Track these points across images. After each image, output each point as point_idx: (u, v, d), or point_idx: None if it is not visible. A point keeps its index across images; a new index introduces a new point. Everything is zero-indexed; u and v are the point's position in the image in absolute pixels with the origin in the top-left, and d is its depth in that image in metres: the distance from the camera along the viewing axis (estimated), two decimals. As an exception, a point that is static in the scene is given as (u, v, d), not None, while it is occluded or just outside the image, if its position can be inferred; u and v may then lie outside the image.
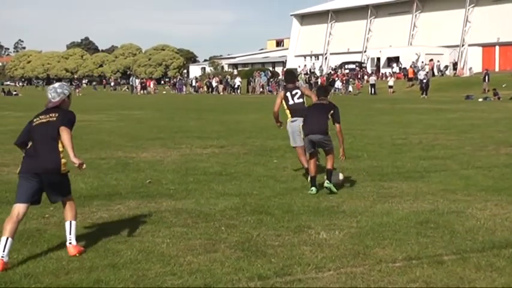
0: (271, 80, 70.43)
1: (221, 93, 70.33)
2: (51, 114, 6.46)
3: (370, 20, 78.77)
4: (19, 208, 6.21)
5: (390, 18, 76.27)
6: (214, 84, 73.70)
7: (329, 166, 9.68)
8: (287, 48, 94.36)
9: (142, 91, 73.08)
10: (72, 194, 6.68)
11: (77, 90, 66.73)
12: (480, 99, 43.25)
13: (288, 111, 11.03)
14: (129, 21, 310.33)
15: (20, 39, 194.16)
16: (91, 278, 5.50)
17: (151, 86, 76.71)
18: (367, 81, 61.15)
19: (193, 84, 79.85)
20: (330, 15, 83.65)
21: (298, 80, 62.25)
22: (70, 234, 6.40)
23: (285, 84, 11.95)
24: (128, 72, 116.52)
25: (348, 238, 6.82)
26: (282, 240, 6.78)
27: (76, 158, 6.25)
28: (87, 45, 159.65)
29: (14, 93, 66.64)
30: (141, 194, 9.39)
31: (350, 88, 61.87)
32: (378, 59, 72.64)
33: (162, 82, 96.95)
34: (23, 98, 57.93)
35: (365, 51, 77.20)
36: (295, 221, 7.65)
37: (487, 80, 49.68)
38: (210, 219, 7.74)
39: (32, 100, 50.29)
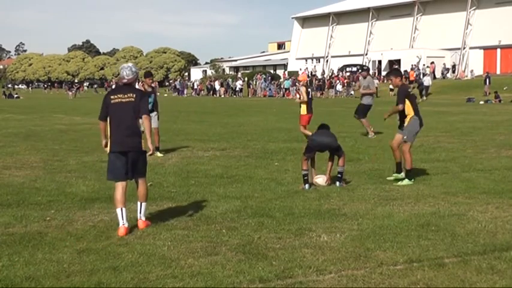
0: (272, 83, 70.42)
1: (222, 95, 70.41)
2: (129, 94, 7.28)
3: (372, 23, 78.74)
4: (121, 188, 7.31)
5: (391, 21, 76.24)
6: (217, 87, 73.79)
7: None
8: (288, 51, 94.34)
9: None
10: (145, 176, 7.61)
11: (70, 94, 65.86)
12: (481, 102, 43.26)
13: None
14: (131, 24, 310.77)
15: (21, 42, 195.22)
16: (92, 280, 5.50)
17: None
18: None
19: (195, 86, 79.93)
20: (331, 18, 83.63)
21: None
22: (140, 213, 7.47)
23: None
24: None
25: (349, 241, 6.82)
26: (283, 242, 6.77)
27: (151, 145, 7.40)
28: (89, 48, 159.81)
29: (15, 96, 66.64)
30: (142, 197, 9.38)
31: (351, 91, 61.86)
32: (379, 61, 72.63)
33: (167, 84, 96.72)
34: (24, 101, 57.96)
35: (366, 54, 77.17)
36: (296, 223, 7.65)
37: (488, 83, 49.69)
38: (211, 222, 7.74)
39: (33, 103, 50.34)
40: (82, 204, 8.83)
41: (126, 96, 7.27)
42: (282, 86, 67.60)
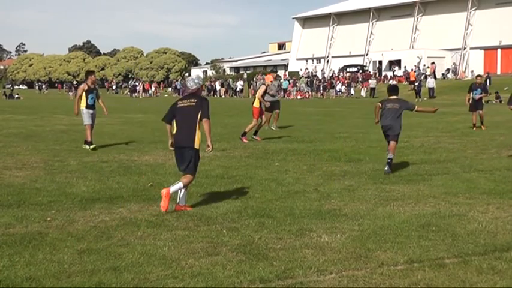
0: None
1: (223, 96, 70.43)
2: (191, 100, 8.58)
3: (372, 23, 78.79)
4: (168, 191, 8.31)
5: (392, 21, 76.30)
6: (218, 87, 73.84)
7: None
8: (289, 52, 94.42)
9: (144, 94, 73.20)
10: (195, 173, 8.67)
11: (71, 94, 65.69)
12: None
13: None
14: (131, 24, 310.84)
15: (21, 42, 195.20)
16: (93, 281, 5.50)
17: (153, 88, 76.76)
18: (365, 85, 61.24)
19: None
20: (331, 18, 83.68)
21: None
22: (180, 198, 8.45)
23: None
24: (130, 76, 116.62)
25: (349, 241, 6.82)
26: (283, 243, 6.77)
27: (211, 144, 8.61)
28: (89, 49, 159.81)
29: (16, 96, 66.63)
30: (143, 197, 9.39)
31: (352, 91, 61.90)
32: (380, 62, 72.68)
33: (171, 85, 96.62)
34: (25, 101, 57.98)
35: (367, 55, 77.21)
36: (297, 224, 7.65)
37: (488, 83, 49.66)
38: (211, 223, 7.74)
39: (33, 103, 50.36)
40: (82, 204, 8.83)
41: (188, 101, 8.59)
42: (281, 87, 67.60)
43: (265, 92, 18.99)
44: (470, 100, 21.65)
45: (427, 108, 14.25)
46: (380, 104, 12.55)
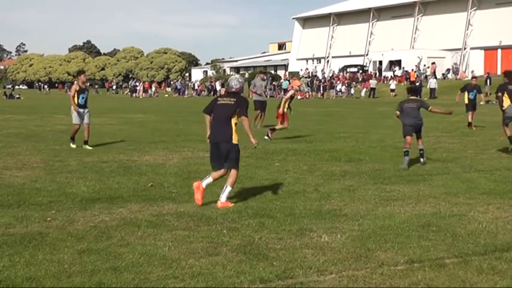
0: (272, 84, 70.36)
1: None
2: (230, 98, 8.94)
3: (372, 23, 78.79)
4: (218, 172, 8.87)
5: (392, 21, 76.29)
6: (218, 87, 73.83)
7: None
8: (289, 52, 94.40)
9: (144, 94, 73.25)
10: (238, 167, 8.98)
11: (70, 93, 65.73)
12: (482, 103, 43.16)
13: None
14: (131, 24, 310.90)
15: (22, 43, 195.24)
16: (93, 281, 5.50)
17: (153, 89, 76.78)
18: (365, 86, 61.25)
19: (195, 87, 79.95)
20: (332, 18, 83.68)
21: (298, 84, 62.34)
22: (222, 194, 8.74)
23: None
24: (130, 76, 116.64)
25: (349, 241, 6.82)
26: (283, 243, 6.77)
27: (254, 139, 8.96)
28: (89, 49, 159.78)
29: (17, 96, 66.67)
30: (143, 197, 9.39)
31: (352, 91, 61.91)
32: (380, 62, 72.69)
33: (170, 85, 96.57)
34: (25, 101, 57.98)
35: (367, 55, 77.21)
36: (297, 224, 7.65)
37: (488, 84, 49.67)
38: (212, 223, 7.74)
39: (34, 103, 50.36)
40: (83, 204, 8.83)
41: (228, 99, 8.97)
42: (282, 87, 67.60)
43: (291, 98, 18.99)
44: (466, 100, 22.13)
45: (442, 110, 14.96)
46: (398, 112, 13.34)
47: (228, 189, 8.81)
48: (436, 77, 58.08)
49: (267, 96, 25.61)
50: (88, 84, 17.25)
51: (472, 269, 5.79)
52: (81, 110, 16.24)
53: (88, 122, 16.34)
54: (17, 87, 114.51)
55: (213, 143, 8.98)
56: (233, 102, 8.86)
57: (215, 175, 8.91)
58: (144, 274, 5.70)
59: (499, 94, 15.56)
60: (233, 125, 8.80)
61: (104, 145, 16.76)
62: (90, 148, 15.85)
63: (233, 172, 8.88)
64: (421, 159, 13.11)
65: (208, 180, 8.84)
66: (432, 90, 51.81)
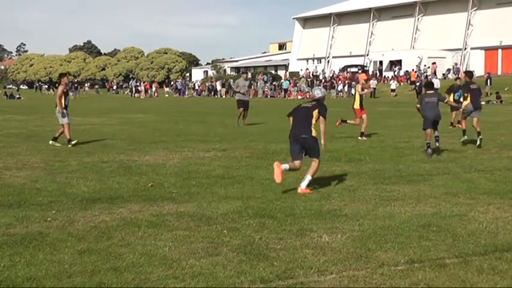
0: (274, 84, 70.38)
1: (223, 96, 70.43)
2: (312, 103, 10.42)
3: (373, 24, 78.77)
4: (295, 163, 10.09)
5: (393, 21, 76.27)
6: (218, 87, 73.87)
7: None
8: (289, 52, 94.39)
9: (144, 94, 73.24)
10: (319, 157, 10.20)
11: (71, 94, 65.36)
12: (482, 103, 43.12)
13: None
14: (132, 24, 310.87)
15: (22, 43, 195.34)
16: (93, 281, 5.50)
17: (153, 89, 76.74)
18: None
19: (196, 87, 79.95)
20: (332, 18, 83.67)
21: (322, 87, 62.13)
22: (303, 182, 9.92)
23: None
24: (130, 76, 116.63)
25: (350, 241, 6.82)
26: (284, 243, 6.77)
27: (324, 142, 10.36)
28: (90, 49, 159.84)
29: (17, 96, 66.69)
30: (144, 198, 9.39)
31: (353, 91, 61.87)
32: (381, 62, 72.68)
33: (169, 85, 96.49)
34: (25, 101, 57.99)
35: (367, 55, 77.19)
36: (298, 224, 7.65)
37: (489, 84, 49.70)
38: (212, 223, 7.75)
39: (34, 103, 50.38)
40: (83, 204, 8.83)
41: (310, 104, 10.44)
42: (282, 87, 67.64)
43: (362, 89, 19.55)
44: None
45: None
46: (418, 105, 15.00)
47: (308, 177, 9.98)
48: (436, 77, 58.00)
49: (250, 96, 26.65)
50: (69, 85, 18.38)
51: (472, 269, 5.79)
52: (65, 111, 16.89)
53: (68, 122, 16.90)
54: (14, 87, 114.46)
55: (294, 139, 10.15)
56: (311, 106, 10.36)
57: (291, 165, 10.05)
58: (144, 274, 5.70)
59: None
60: (312, 124, 10.11)
61: (104, 145, 16.76)
62: (58, 145, 16.44)
63: (314, 163, 10.14)
64: (437, 143, 14.71)
65: (286, 166, 9.93)
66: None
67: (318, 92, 10.71)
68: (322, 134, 10.18)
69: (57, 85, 17.96)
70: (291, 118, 10.43)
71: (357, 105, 19.15)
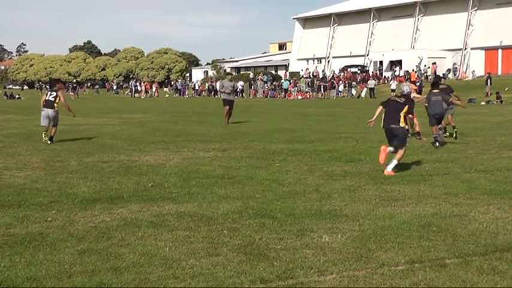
0: (274, 84, 70.36)
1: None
2: (401, 98, 12.09)
3: (373, 24, 78.79)
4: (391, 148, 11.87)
5: (393, 21, 76.30)
6: (218, 87, 73.74)
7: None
8: (290, 52, 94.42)
9: (145, 94, 73.24)
10: (405, 145, 11.92)
11: (72, 94, 65.41)
12: (483, 103, 43.29)
13: None
14: (132, 24, 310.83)
15: (22, 43, 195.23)
16: (93, 281, 5.50)
17: (154, 89, 76.74)
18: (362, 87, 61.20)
19: (196, 87, 79.93)
20: (332, 18, 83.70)
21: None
22: (389, 165, 11.54)
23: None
24: (131, 76, 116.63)
25: (350, 241, 6.82)
26: (284, 243, 6.77)
27: (419, 129, 13.37)
28: (90, 49, 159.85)
29: (17, 96, 66.66)
30: (144, 198, 9.39)
31: (353, 91, 61.90)
32: (381, 62, 72.68)
33: (168, 85, 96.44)
34: (25, 101, 57.99)
35: (367, 55, 77.20)
36: (298, 224, 7.65)
37: (489, 84, 49.68)
38: (212, 223, 7.74)
39: (34, 103, 50.37)
40: (83, 205, 8.83)
41: (399, 99, 12.10)
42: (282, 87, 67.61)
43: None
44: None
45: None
46: (426, 104, 16.65)
47: (394, 162, 11.57)
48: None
49: (236, 96, 28.25)
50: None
51: (472, 270, 5.79)
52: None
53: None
54: (18, 87, 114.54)
55: (386, 129, 11.99)
56: (402, 101, 11.95)
57: (391, 149, 11.86)
58: (144, 274, 5.70)
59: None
60: (402, 116, 11.74)
61: (105, 145, 16.76)
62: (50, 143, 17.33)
63: (401, 150, 11.73)
64: (440, 132, 16.45)
65: (391, 148, 11.81)
66: None
67: (406, 88, 12.41)
68: (417, 123, 13.44)
69: (54, 89, 18.46)
70: (381, 107, 12.15)
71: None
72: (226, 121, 25.31)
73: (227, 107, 25.52)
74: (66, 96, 19.08)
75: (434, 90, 16.73)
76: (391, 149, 11.82)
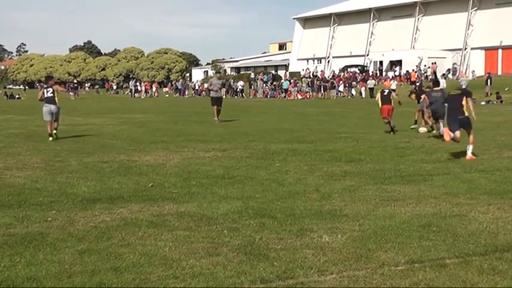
0: (274, 83, 70.33)
1: (224, 96, 70.31)
2: (458, 92, 14.35)
3: (373, 24, 78.79)
4: (456, 133, 13.72)
5: (393, 21, 76.30)
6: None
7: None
8: (290, 52, 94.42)
9: (145, 94, 73.24)
10: (472, 129, 14.00)
11: (72, 94, 65.47)
12: (483, 103, 43.27)
13: None
14: (132, 24, 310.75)
15: (22, 43, 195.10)
16: (93, 281, 5.50)
17: (154, 89, 76.73)
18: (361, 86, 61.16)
19: (196, 87, 79.91)
20: (332, 18, 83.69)
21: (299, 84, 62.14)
22: (468, 150, 13.66)
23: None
24: (131, 76, 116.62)
25: (350, 241, 6.82)
26: (284, 243, 6.77)
27: (475, 116, 14.47)
28: (90, 49, 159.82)
29: (17, 96, 66.67)
30: (144, 198, 9.39)
31: (353, 91, 61.88)
32: (381, 62, 72.68)
33: (167, 85, 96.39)
34: (25, 101, 57.98)
35: (368, 55, 77.18)
36: (298, 224, 7.65)
37: (489, 84, 49.68)
38: (212, 223, 7.74)
39: (34, 103, 50.34)
40: (83, 205, 8.83)
41: (456, 92, 14.34)
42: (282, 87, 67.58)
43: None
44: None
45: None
46: (426, 97, 18.80)
47: (471, 147, 13.58)
48: (436, 77, 57.90)
49: (223, 94, 29.37)
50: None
51: (472, 269, 5.79)
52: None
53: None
54: (20, 87, 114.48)
55: (453, 119, 13.88)
56: (460, 93, 14.16)
57: (454, 136, 13.67)
58: (144, 274, 5.70)
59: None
60: (464, 106, 13.85)
61: (105, 145, 16.77)
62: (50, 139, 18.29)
63: (471, 136, 13.70)
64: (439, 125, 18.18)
65: (456, 133, 13.67)
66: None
67: (464, 83, 15.37)
68: (472, 110, 14.10)
69: (49, 85, 19.47)
70: (447, 105, 14.41)
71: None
72: (217, 119, 25.94)
73: (215, 106, 26.36)
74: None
75: (435, 88, 18.56)
76: (457, 134, 13.67)
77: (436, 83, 19.52)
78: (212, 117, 26.39)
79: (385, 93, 21.14)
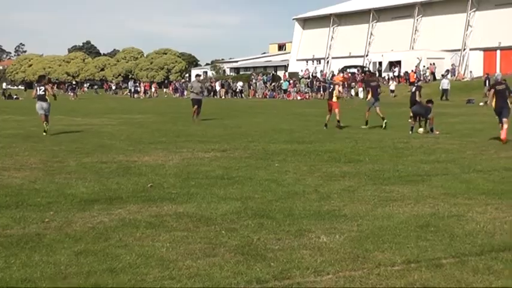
0: (273, 84, 70.33)
1: (223, 96, 70.43)
2: (502, 85, 17.20)
3: (372, 24, 78.72)
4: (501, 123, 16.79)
5: (392, 22, 76.20)
6: (217, 88, 73.81)
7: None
8: (289, 52, 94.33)
9: (144, 95, 73.23)
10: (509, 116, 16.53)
11: (71, 94, 65.43)
12: (481, 104, 43.17)
13: None
14: (131, 25, 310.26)
15: (21, 43, 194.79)
16: (89, 282, 5.50)
17: (153, 89, 76.73)
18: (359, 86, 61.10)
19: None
20: (332, 19, 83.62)
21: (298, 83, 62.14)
22: (502, 134, 16.30)
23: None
24: (130, 76, 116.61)
25: (348, 242, 6.82)
26: (282, 244, 6.77)
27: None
28: (89, 49, 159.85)
29: (15, 97, 66.63)
30: (143, 198, 9.38)
31: (352, 92, 61.85)
32: (380, 63, 72.64)
33: (167, 86, 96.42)
34: (24, 101, 57.94)
35: (367, 55, 77.14)
36: (296, 224, 7.65)
37: (488, 84, 49.60)
38: (211, 223, 7.74)
39: (32, 103, 50.30)
40: (81, 205, 8.83)
41: (502, 86, 17.24)
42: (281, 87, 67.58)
43: (339, 92, 23.24)
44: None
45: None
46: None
47: (506, 127, 16.60)
48: (435, 78, 57.91)
49: (203, 95, 30.78)
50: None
51: (468, 269, 5.80)
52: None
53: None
54: (20, 87, 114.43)
55: (499, 110, 16.99)
56: (504, 87, 17.16)
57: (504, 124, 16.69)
58: (140, 275, 5.70)
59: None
60: (508, 98, 16.83)
61: (103, 146, 16.76)
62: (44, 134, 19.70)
63: (507, 123, 16.61)
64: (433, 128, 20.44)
65: (505, 125, 16.66)
66: (445, 91, 50.49)
67: (501, 77, 18.12)
68: (511, 104, 16.98)
69: (42, 84, 21.51)
70: (495, 99, 17.14)
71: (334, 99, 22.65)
72: (193, 118, 27.50)
73: (195, 106, 27.99)
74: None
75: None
76: (504, 121, 16.55)
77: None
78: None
79: (330, 89, 22.82)
